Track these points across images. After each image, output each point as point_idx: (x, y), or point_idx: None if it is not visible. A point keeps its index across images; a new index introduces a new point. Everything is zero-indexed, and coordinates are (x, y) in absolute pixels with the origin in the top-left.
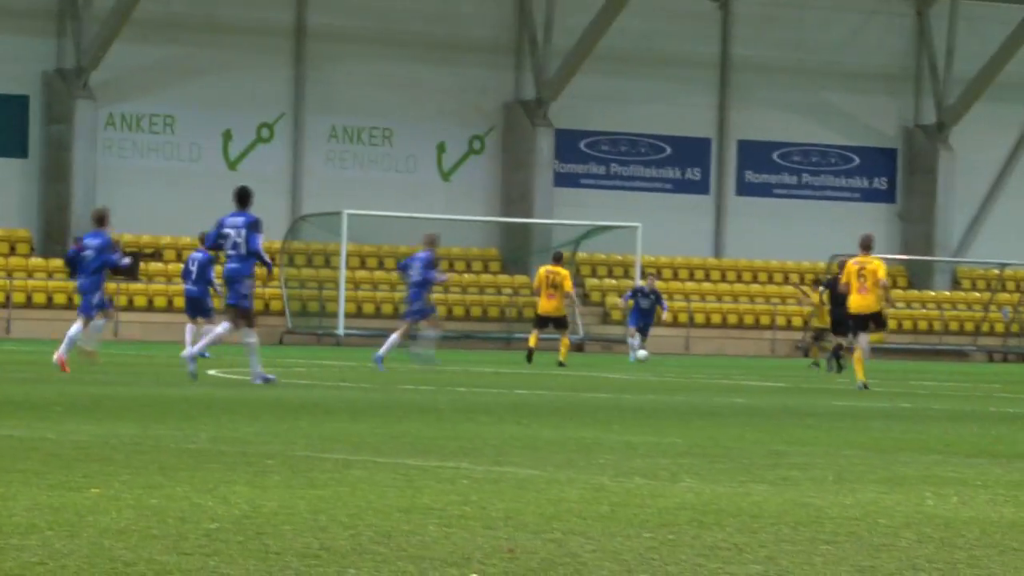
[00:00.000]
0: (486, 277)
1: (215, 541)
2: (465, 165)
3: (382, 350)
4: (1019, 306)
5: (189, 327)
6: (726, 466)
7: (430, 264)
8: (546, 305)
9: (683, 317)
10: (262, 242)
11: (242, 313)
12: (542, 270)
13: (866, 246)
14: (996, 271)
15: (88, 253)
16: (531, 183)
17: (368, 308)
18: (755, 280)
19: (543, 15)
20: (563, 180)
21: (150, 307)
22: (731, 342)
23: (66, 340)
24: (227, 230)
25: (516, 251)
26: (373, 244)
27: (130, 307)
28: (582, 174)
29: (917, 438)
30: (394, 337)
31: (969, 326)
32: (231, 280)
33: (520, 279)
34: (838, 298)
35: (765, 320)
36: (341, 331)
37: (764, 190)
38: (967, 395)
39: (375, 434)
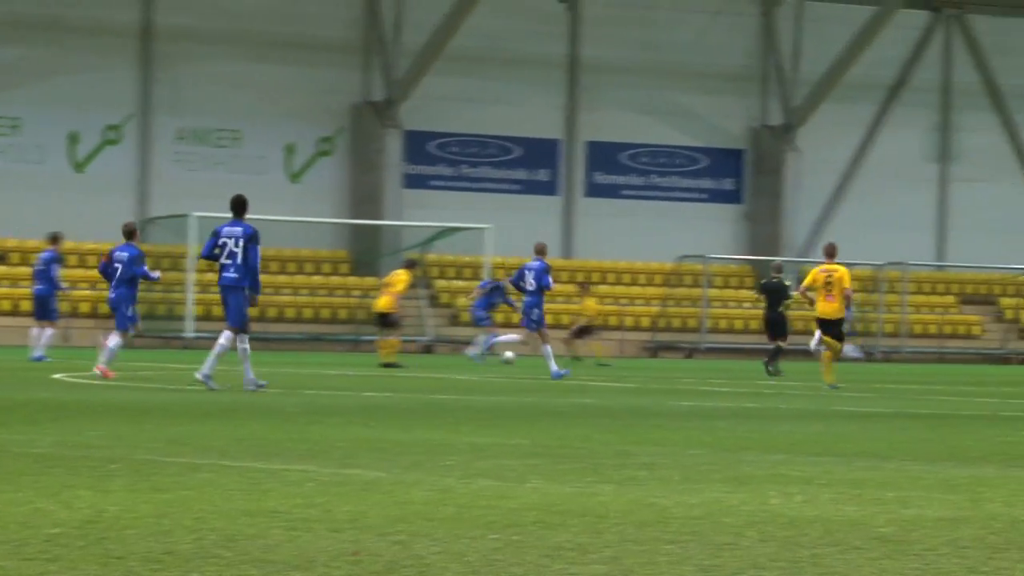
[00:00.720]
0: (335, 279)
1: (57, 546)
2: (314, 167)
3: (509, 354)
4: (864, 306)
5: (35, 329)
6: (573, 467)
7: (546, 272)
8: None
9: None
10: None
11: (244, 326)
12: None
13: (831, 254)
14: None
15: (118, 266)
16: (380, 184)
17: (217, 311)
18: (604, 281)
19: (392, 15)
20: (413, 182)
21: None
22: (579, 343)
23: (106, 352)
24: (224, 239)
25: (365, 253)
26: None
27: None
28: (431, 175)
29: (763, 437)
30: (506, 340)
31: (814, 326)
32: (228, 289)
33: (369, 281)
34: (773, 302)
35: (614, 321)
36: (190, 334)
37: (612, 191)
38: (812, 394)
39: (221, 437)
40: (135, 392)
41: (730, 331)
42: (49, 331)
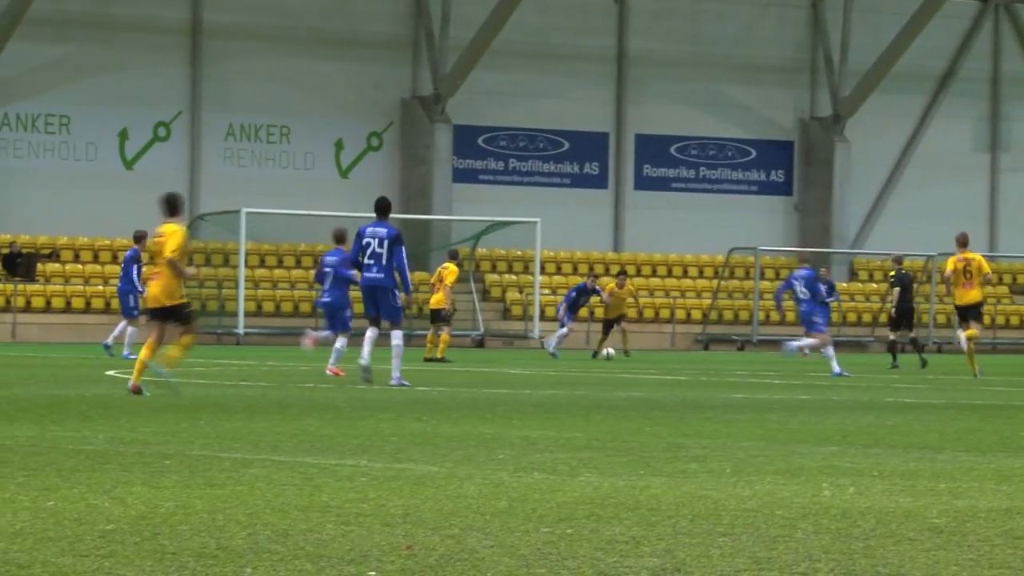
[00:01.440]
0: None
1: (111, 542)
2: (363, 162)
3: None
4: (916, 296)
5: (119, 326)
6: (625, 460)
7: (816, 279)
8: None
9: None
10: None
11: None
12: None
13: (963, 243)
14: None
15: (328, 270)
16: (429, 179)
17: (268, 307)
18: (654, 274)
19: (439, 9)
20: (461, 176)
21: (48, 308)
22: (631, 336)
23: (334, 353)
24: (368, 240)
25: (415, 247)
26: (272, 242)
27: (28, 308)
28: (480, 170)
29: (815, 429)
30: (809, 342)
31: (867, 317)
32: (374, 289)
33: (420, 275)
34: (908, 294)
35: (665, 314)
36: (241, 330)
37: (662, 184)
38: (865, 386)
39: (274, 432)
40: (188, 388)
41: (782, 323)
42: (130, 329)
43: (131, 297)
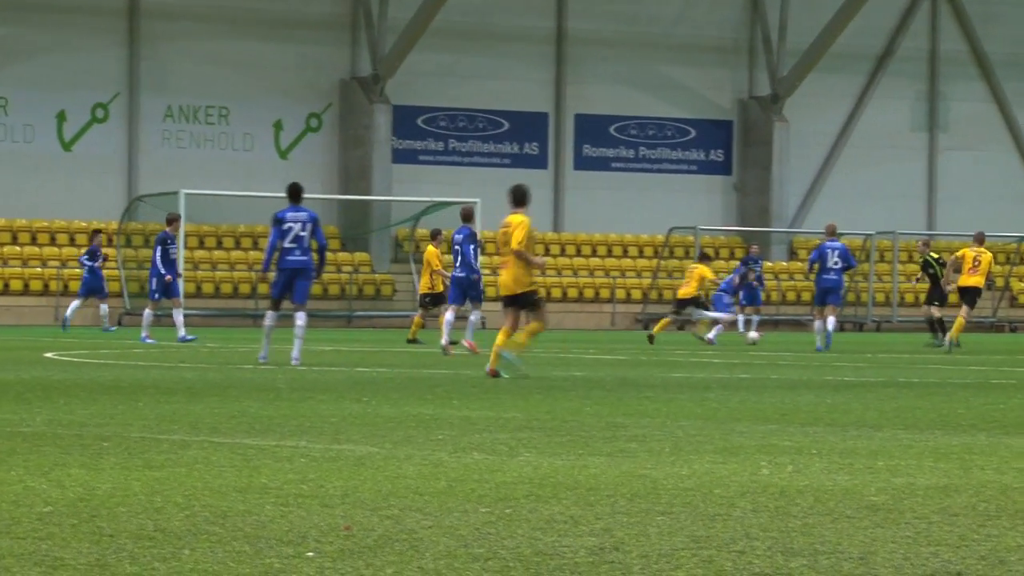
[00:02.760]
0: (327, 255)
1: (48, 525)
2: (303, 143)
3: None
4: (855, 275)
5: (176, 313)
6: (564, 439)
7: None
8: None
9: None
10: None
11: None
12: None
13: (981, 241)
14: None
15: (457, 248)
16: (369, 160)
17: (207, 288)
18: (594, 254)
19: None
20: (401, 156)
21: None
22: (571, 316)
23: (469, 329)
24: (289, 224)
25: (355, 228)
26: (211, 224)
27: None
28: (420, 150)
29: (754, 408)
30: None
31: (806, 296)
32: (296, 272)
33: (360, 256)
34: (937, 275)
35: (605, 293)
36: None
37: (601, 164)
38: (804, 364)
39: (213, 414)
40: (127, 370)
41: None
42: (147, 311)
43: (154, 280)
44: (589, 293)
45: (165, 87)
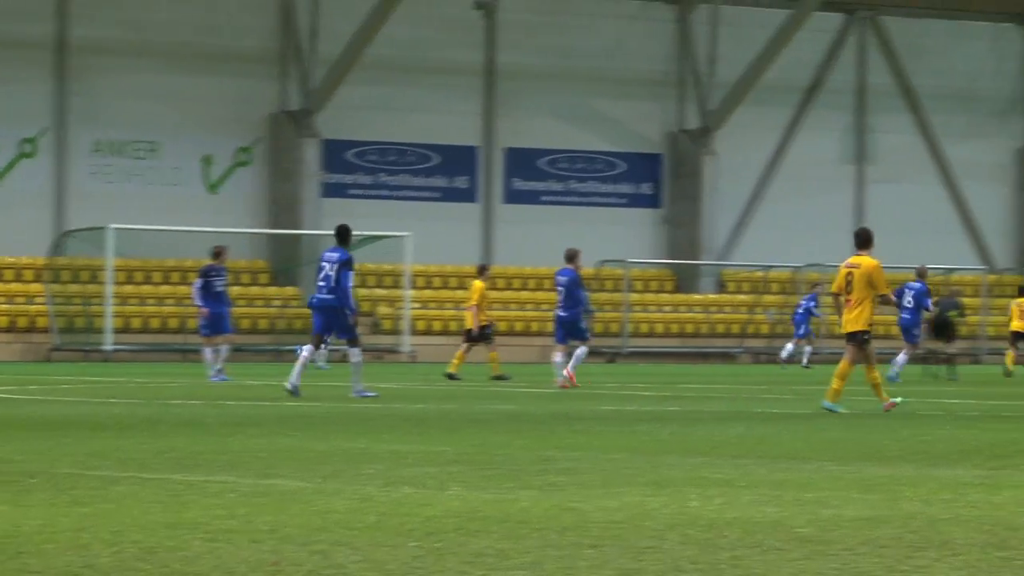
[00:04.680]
0: (255, 289)
1: None
2: (232, 177)
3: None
4: (784, 308)
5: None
6: (494, 473)
7: (927, 294)
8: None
9: (453, 326)
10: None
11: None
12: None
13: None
14: (761, 273)
15: (561, 289)
16: (299, 194)
17: (136, 323)
18: (524, 287)
19: (308, 24)
20: (331, 190)
21: None
22: (500, 349)
23: (574, 359)
24: (323, 263)
25: (285, 262)
26: (140, 258)
27: None
28: (350, 184)
29: (683, 440)
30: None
31: (735, 328)
32: (321, 309)
33: (289, 291)
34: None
35: (535, 327)
36: (109, 347)
37: (531, 197)
38: (733, 397)
39: (142, 450)
40: (55, 406)
41: (651, 335)
42: (210, 348)
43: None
44: (519, 326)
45: (94, 121)
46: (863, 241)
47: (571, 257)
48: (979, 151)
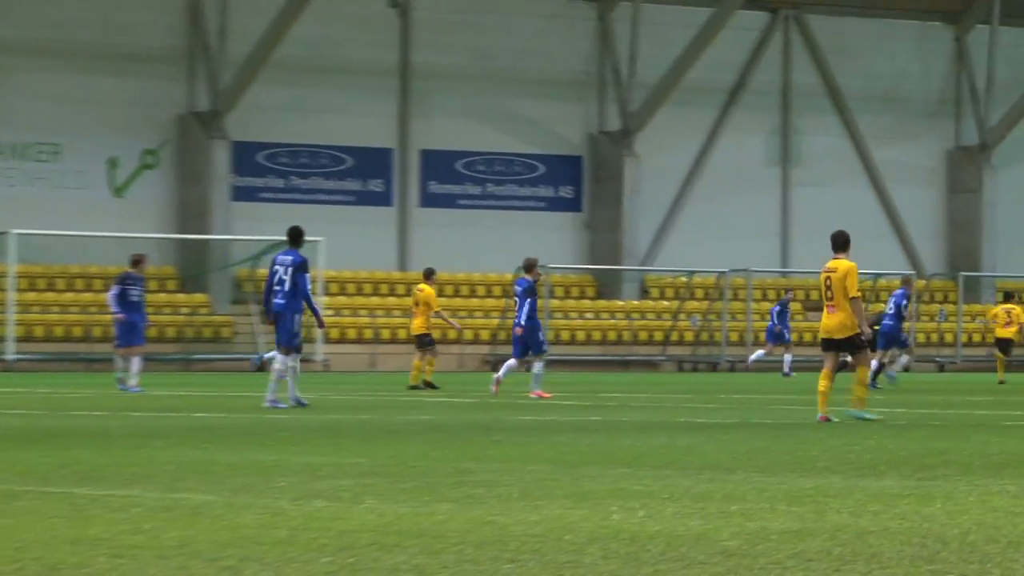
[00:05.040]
0: (162, 296)
1: None
2: (139, 180)
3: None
4: (708, 314)
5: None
6: (410, 486)
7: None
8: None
9: (368, 333)
10: None
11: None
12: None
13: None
14: (684, 279)
15: (516, 300)
16: (208, 198)
17: (39, 331)
18: (440, 294)
19: (216, 23)
20: (241, 194)
21: None
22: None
23: (534, 378)
24: (276, 267)
25: (193, 268)
26: (43, 264)
27: None
28: (261, 187)
29: (605, 451)
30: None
31: (659, 335)
32: (278, 316)
33: (198, 297)
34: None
35: (452, 334)
36: (10, 356)
37: (448, 201)
38: (656, 406)
39: (44, 463)
40: None
41: (572, 342)
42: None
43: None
44: (436, 334)
45: None
46: (840, 244)
47: (529, 267)
48: (907, 153)
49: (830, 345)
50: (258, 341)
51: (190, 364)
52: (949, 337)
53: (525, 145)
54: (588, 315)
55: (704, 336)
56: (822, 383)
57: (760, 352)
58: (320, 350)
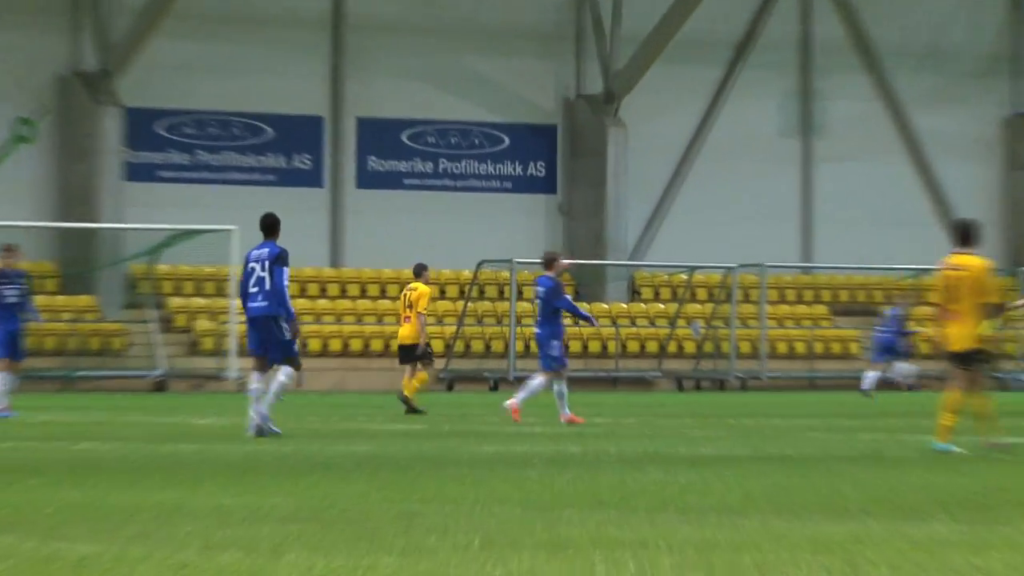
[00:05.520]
0: (40, 299)
1: None
2: (11, 157)
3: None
4: (713, 320)
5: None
6: (345, 533)
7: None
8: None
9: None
10: None
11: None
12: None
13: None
14: (683, 276)
15: (537, 302)
16: (95, 177)
17: None
18: (383, 295)
19: None
20: (137, 173)
21: None
22: (354, 374)
23: (526, 391)
24: (252, 265)
25: (78, 265)
26: None
27: None
28: (160, 164)
29: (587, 490)
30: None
31: (652, 346)
32: (258, 321)
33: (83, 300)
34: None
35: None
36: None
37: (392, 180)
38: (650, 433)
39: None
40: None
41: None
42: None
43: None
44: (377, 345)
45: None
46: (966, 236)
47: (549, 262)
48: (955, 121)
49: (959, 359)
50: (157, 354)
51: (73, 382)
52: (1012, 348)
53: (486, 112)
54: (564, 321)
55: (708, 347)
56: (957, 405)
57: (873, 374)
58: (233, 366)
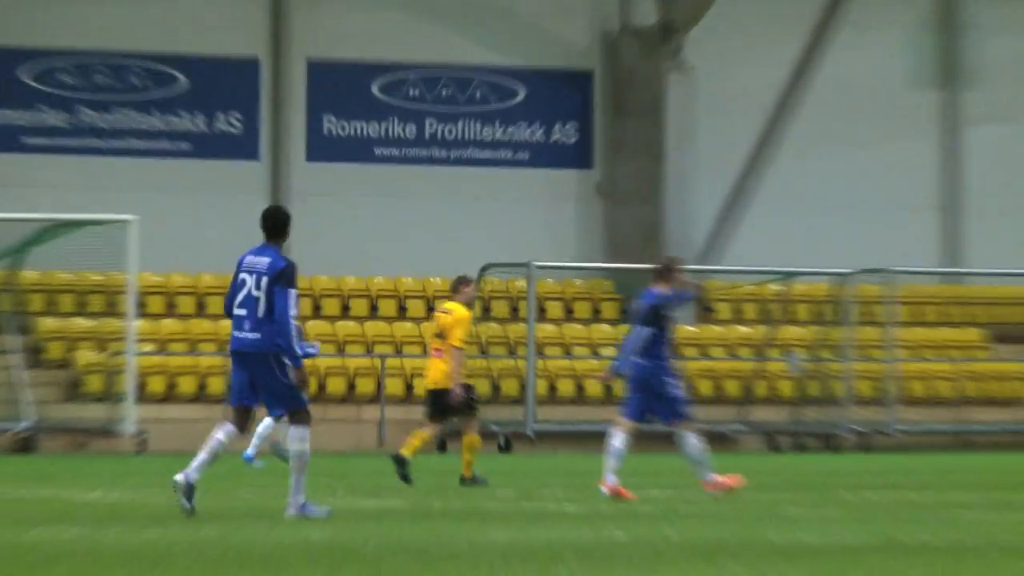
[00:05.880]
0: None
1: None
2: None
3: None
4: (819, 348)
5: None
6: None
7: None
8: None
9: (215, 384)
10: None
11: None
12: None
13: None
14: (777, 287)
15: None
16: None
17: None
18: (346, 314)
19: None
20: None
21: None
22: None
23: (692, 463)
24: (242, 276)
25: None
26: None
27: None
28: (27, 127)
29: None
30: None
31: (732, 387)
32: (246, 357)
33: None
34: None
35: (366, 386)
36: None
37: (357, 150)
38: (730, 513)
39: None
40: None
41: (579, 400)
42: None
43: None
44: (337, 386)
45: None
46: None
47: (664, 271)
48: None
49: None
50: (21, 400)
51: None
52: None
53: (493, 52)
54: (605, 350)
55: (813, 388)
56: None
57: None
58: (132, 415)
